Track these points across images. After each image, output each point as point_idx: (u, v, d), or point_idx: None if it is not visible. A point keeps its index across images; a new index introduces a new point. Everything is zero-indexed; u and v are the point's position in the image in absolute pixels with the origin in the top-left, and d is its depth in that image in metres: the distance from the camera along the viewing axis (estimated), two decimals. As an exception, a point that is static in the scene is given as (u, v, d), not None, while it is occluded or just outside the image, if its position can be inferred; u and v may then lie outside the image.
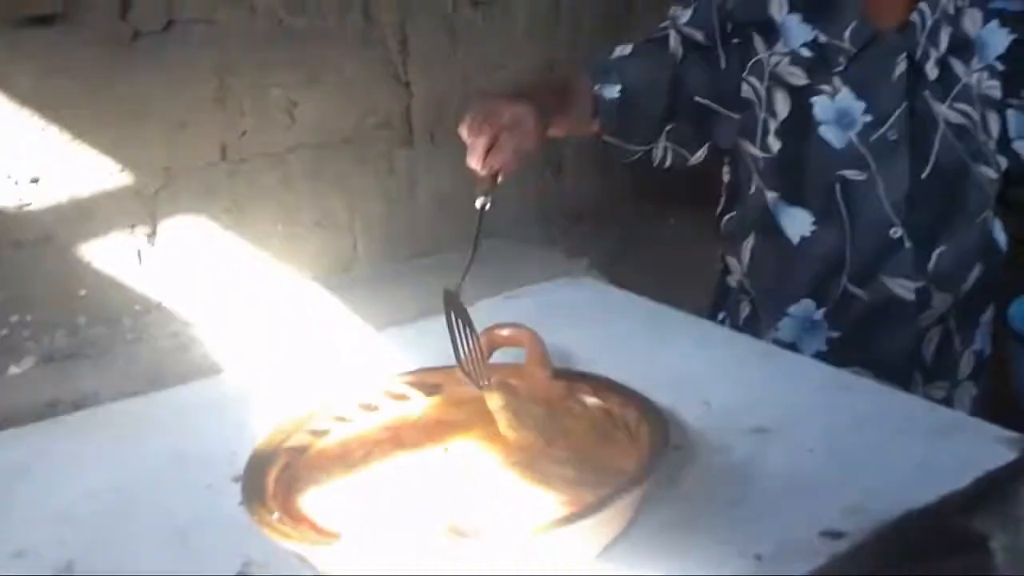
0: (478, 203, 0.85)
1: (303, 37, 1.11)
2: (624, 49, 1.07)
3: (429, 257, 1.27)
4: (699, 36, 1.05)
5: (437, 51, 1.23)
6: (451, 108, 1.24)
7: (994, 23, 1.04)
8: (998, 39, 1.04)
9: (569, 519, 0.56)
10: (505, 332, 0.81)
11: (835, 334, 1.06)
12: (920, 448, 0.72)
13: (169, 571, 0.63)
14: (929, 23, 1.02)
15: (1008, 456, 0.69)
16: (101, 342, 1.02)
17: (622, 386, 0.76)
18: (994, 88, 1.03)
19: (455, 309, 0.77)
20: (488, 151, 0.85)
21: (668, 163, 1.10)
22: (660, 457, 0.64)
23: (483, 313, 1.08)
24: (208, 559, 0.64)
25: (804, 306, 1.06)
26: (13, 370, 0.95)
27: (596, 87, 1.04)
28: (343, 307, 1.11)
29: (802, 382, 0.84)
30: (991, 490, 0.66)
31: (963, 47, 1.03)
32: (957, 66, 1.03)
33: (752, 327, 1.12)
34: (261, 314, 1.10)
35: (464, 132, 0.86)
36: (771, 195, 1.06)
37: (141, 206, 1.05)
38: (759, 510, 0.65)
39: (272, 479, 0.67)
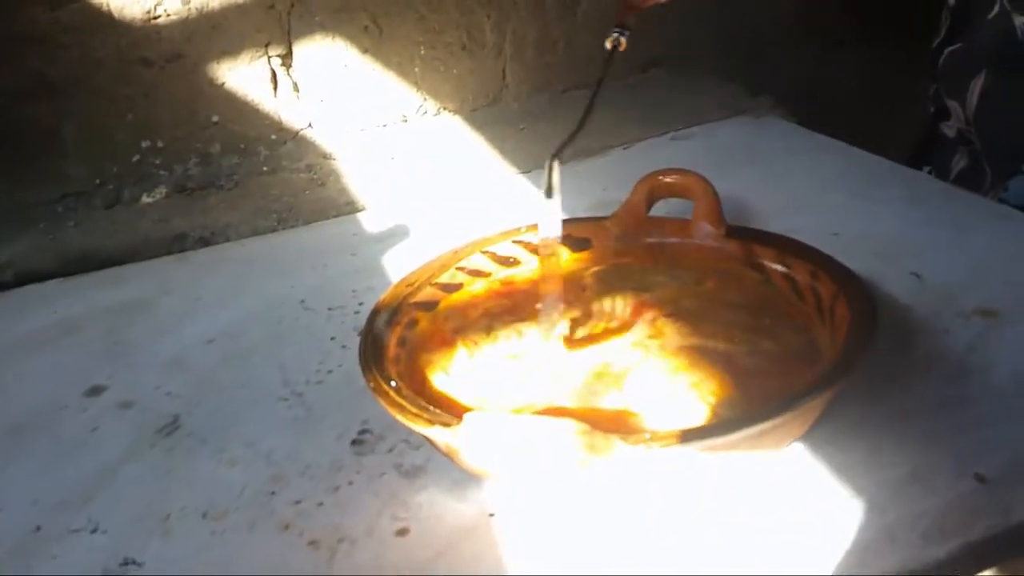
0: (609, 41, 0.68)
1: None
2: None
3: (587, 88, 1.13)
4: None
5: None
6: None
7: None
8: None
9: (736, 425, 0.45)
10: (669, 179, 0.67)
11: None
12: None
13: (281, 431, 0.57)
14: None
15: None
16: (235, 173, 0.96)
17: (813, 249, 0.62)
18: None
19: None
20: None
21: None
22: (861, 344, 0.51)
23: (646, 155, 0.95)
24: (323, 422, 0.58)
25: None
26: (145, 199, 0.91)
27: None
28: (488, 145, 1.00)
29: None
30: None
31: None
32: None
33: (968, 184, 0.92)
34: (401, 149, 1.01)
35: None
36: (1020, 19, 0.84)
37: (275, 22, 0.95)
38: (985, 415, 0.51)
39: (394, 339, 0.58)
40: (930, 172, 0.98)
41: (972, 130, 0.92)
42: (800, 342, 0.56)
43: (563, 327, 0.59)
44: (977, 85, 0.89)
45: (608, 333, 0.59)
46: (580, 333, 0.59)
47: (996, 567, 0.44)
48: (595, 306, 0.62)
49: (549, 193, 0.58)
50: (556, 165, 0.58)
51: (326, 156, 1.01)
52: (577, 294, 0.64)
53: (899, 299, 0.63)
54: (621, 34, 0.68)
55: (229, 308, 0.72)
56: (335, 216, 0.88)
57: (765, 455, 0.49)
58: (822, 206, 0.78)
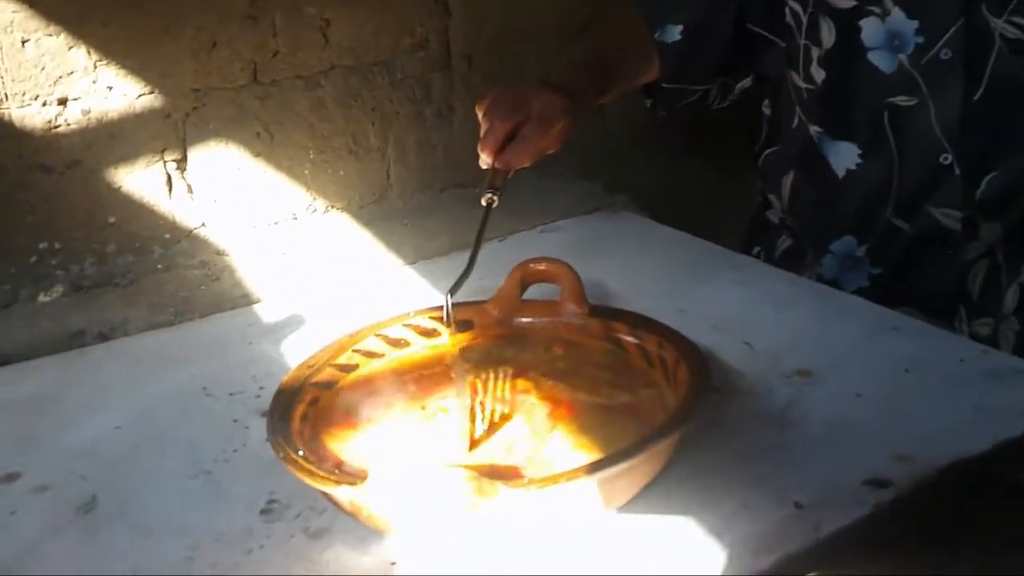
0: (484, 200, 0.78)
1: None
2: None
3: (465, 188, 1.24)
4: None
5: (476, -30, 1.17)
6: (490, 30, 1.20)
7: None
8: None
9: (602, 464, 0.54)
10: (540, 266, 0.78)
11: (877, 270, 1.02)
12: (974, 394, 0.68)
13: (194, 505, 0.62)
14: None
15: (1068, 404, 0.65)
16: (130, 271, 1.01)
17: (660, 324, 0.73)
18: None
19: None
20: (505, 144, 0.79)
21: (717, 102, 1.06)
22: (699, 399, 0.61)
23: (518, 247, 1.06)
24: (232, 495, 0.63)
25: (846, 242, 1.02)
26: (42, 299, 0.94)
27: (656, 34, 0.99)
28: (374, 238, 1.09)
29: (847, 322, 0.80)
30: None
31: None
32: None
33: (790, 262, 1.08)
34: (291, 244, 1.08)
35: (481, 115, 0.81)
36: (815, 129, 1.01)
37: (171, 130, 1.02)
38: (800, 456, 0.63)
39: (298, 415, 0.65)
40: (760, 252, 1.13)
41: (789, 217, 1.08)
42: (651, 395, 0.66)
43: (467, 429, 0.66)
44: (788, 181, 1.06)
45: (502, 419, 0.66)
46: (478, 429, 0.65)
47: (814, 571, 0.54)
48: (481, 380, 0.71)
49: (448, 322, 0.71)
50: (450, 299, 0.71)
51: (219, 252, 1.07)
52: (462, 370, 0.72)
53: (733, 364, 0.74)
54: (495, 194, 0.79)
55: (134, 397, 0.77)
56: (231, 308, 0.94)
57: (626, 493, 0.58)
58: (669, 288, 0.90)
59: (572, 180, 1.27)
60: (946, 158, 0.96)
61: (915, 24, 0.95)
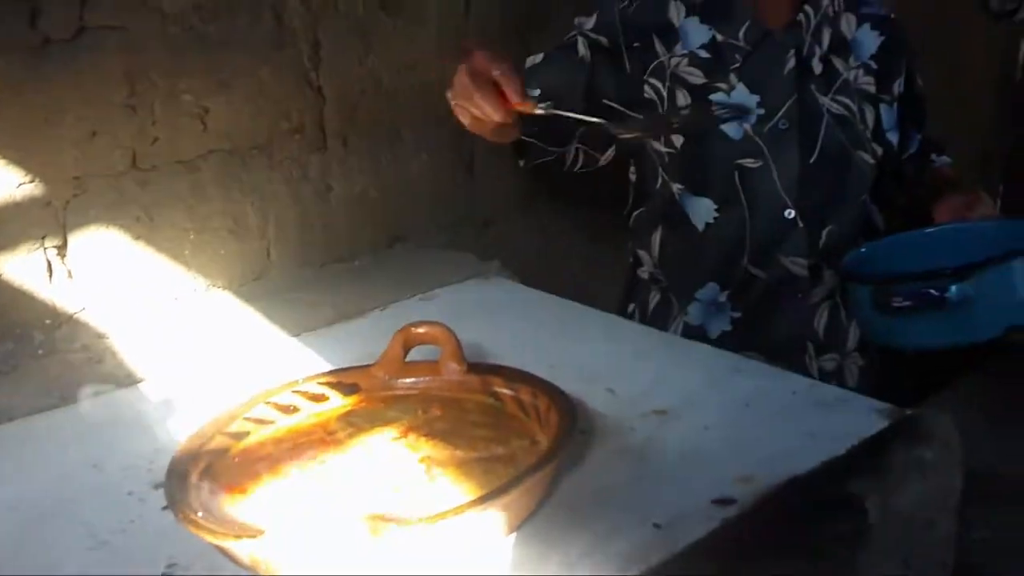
0: (542, 107, 0.87)
1: (215, 43, 1.12)
2: (535, 58, 1.13)
3: (344, 262, 1.30)
4: (604, 41, 1.12)
5: (348, 55, 1.25)
6: (363, 111, 1.27)
7: (866, 26, 1.15)
8: (870, 40, 1.15)
9: (482, 500, 0.60)
10: (421, 330, 0.84)
11: (738, 314, 1.14)
12: (805, 422, 0.78)
13: (95, 573, 0.64)
14: (813, 23, 1.12)
15: (881, 425, 0.75)
16: (12, 358, 1.01)
17: (533, 376, 0.80)
18: (869, 84, 1.14)
19: None
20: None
21: (580, 164, 1.16)
22: (568, 439, 0.69)
23: (399, 315, 1.12)
24: (131, 562, 0.65)
25: (710, 290, 1.15)
26: (-78, 387, 0.94)
27: None
28: (257, 314, 1.12)
29: (699, 368, 0.90)
30: (865, 456, 0.72)
31: (841, 46, 1.14)
32: (837, 63, 1.13)
33: (661, 315, 1.19)
34: (174, 324, 1.10)
35: (458, 90, 0.86)
36: (676, 187, 1.14)
37: (51, 217, 1.04)
38: (658, 484, 0.71)
39: (194, 481, 0.69)
40: (634, 310, 1.24)
41: (658, 272, 1.19)
42: (525, 445, 0.73)
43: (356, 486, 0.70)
44: (656, 238, 1.18)
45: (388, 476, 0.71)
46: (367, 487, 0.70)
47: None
48: (367, 441, 0.76)
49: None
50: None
51: (101, 336, 1.08)
52: (349, 433, 0.77)
53: (598, 408, 0.82)
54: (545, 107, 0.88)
55: (26, 478, 0.78)
56: (116, 389, 0.96)
57: (509, 524, 0.64)
58: (541, 346, 0.97)
59: (446, 251, 1.35)
60: (790, 213, 1.11)
61: (757, 98, 1.10)
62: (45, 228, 1.04)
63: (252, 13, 1.14)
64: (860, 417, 0.77)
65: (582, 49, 1.12)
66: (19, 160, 1.00)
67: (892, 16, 1.20)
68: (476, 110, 0.87)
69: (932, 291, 0.91)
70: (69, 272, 1.07)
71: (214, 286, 1.19)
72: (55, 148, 1.03)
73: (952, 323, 0.92)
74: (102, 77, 1.04)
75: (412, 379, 0.84)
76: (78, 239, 1.07)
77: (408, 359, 0.85)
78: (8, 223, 1.01)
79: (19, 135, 1.00)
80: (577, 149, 1.14)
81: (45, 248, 1.04)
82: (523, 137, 1.11)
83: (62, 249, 1.06)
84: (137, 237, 1.11)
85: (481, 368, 0.83)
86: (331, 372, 0.85)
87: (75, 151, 1.04)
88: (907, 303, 0.93)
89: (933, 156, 1.27)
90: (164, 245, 1.13)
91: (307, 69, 1.21)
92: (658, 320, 1.20)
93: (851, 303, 1.11)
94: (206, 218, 1.16)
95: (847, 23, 1.16)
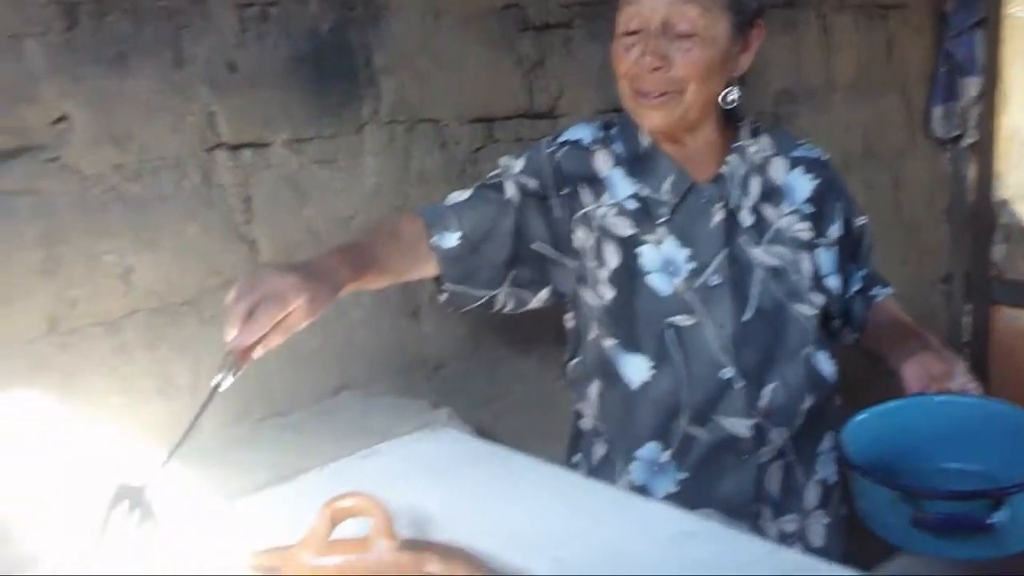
0: (214, 380, 0.83)
1: (139, 202, 1.09)
2: (461, 195, 1.10)
3: (284, 416, 1.23)
4: (534, 184, 1.09)
5: (282, 207, 1.22)
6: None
7: (798, 170, 1.12)
8: (803, 184, 1.12)
9: None
10: (348, 503, 0.78)
11: (683, 475, 1.06)
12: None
13: None
14: (740, 174, 1.09)
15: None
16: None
17: (469, 554, 0.74)
18: (803, 230, 1.10)
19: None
20: (244, 323, 0.83)
21: (509, 307, 1.11)
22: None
23: (336, 476, 1.05)
24: None
25: (650, 449, 1.07)
26: None
27: (432, 239, 1.05)
28: (190, 477, 1.05)
29: (651, 530, 0.84)
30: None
31: (773, 193, 1.10)
32: (769, 211, 1.10)
33: (606, 468, 1.11)
34: (98, 492, 1.02)
35: (227, 301, 0.85)
36: (609, 341, 1.07)
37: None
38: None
39: None
40: (578, 461, 1.17)
41: (600, 425, 1.12)
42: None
43: None
44: (594, 390, 1.11)
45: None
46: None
47: None
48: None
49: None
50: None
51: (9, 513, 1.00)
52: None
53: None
54: (227, 374, 0.85)
55: None
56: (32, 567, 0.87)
57: None
58: (488, 510, 0.91)
59: (396, 397, 1.29)
60: (726, 372, 1.04)
61: (687, 252, 1.06)
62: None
63: (178, 171, 1.12)
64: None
65: (510, 191, 1.08)
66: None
67: (825, 158, 1.17)
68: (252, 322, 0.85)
69: (974, 516, 0.87)
70: (-18, 445, 0.99)
71: (142, 449, 1.11)
72: (-34, 317, 0.97)
73: (990, 541, 0.87)
74: (15, 243, 1.00)
75: (338, 558, 0.77)
76: (-10, 409, 1.00)
77: (336, 535, 0.78)
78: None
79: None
80: (508, 292, 1.10)
81: (-46, 421, 0.98)
82: (444, 287, 1.07)
83: (-27, 421, 0.99)
84: (56, 403, 1.04)
85: (414, 544, 0.77)
86: (253, 553, 0.78)
87: (-12, 318, 0.99)
88: (942, 521, 0.88)
89: (874, 289, 1.20)
90: (86, 410, 1.07)
91: (238, 223, 1.18)
92: (604, 473, 1.11)
93: (859, 495, 0.98)
94: (132, 379, 1.11)
95: (778, 168, 1.12)
